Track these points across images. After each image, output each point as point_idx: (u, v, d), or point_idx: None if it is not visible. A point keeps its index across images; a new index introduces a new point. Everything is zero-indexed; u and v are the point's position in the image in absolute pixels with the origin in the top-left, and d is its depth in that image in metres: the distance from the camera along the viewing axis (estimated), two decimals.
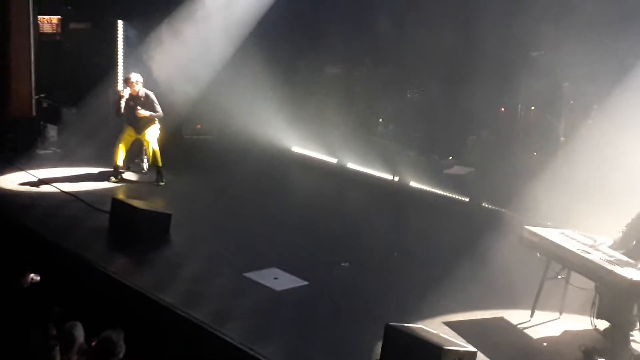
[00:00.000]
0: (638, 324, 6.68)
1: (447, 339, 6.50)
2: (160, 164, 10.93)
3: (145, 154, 11.19)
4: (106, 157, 11.31)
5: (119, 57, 13.11)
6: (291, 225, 9.74)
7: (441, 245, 9.18)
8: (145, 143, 11.02)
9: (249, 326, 7.02)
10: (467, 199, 10.84)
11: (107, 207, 9.39)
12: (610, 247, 7.13)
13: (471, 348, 6.49)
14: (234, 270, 8.21)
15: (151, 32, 12.55)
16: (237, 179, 11.58)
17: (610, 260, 6.74)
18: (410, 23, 12.78)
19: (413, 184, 11.39)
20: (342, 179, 11.86)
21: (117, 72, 13.07)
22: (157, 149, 10.92)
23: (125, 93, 10.90)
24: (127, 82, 10.98)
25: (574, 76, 10.41)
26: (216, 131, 13.18)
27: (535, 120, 11.44)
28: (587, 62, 9.87)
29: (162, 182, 10.95)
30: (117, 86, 12.84)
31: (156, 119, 10.95)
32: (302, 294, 7.79)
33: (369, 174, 11.91)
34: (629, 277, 6.42)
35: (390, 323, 6.50)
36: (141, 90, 10.93)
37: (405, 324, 6.66)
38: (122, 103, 10.88)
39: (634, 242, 7.16)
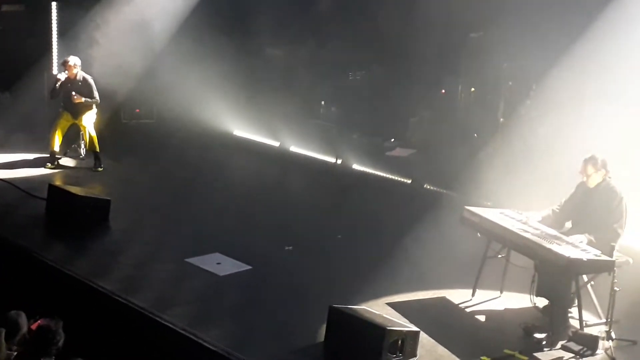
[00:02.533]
0: (576, 300, 6.81)
1: (390, 320, 6.56)
2: (97, 149, 10.72)
3: (82, 140, 10.96)
4: (42, 142, 11.03)
5: (53, 40, 12.78)
6: (234, 210, 9.67)
7: (384, 227, 9.24)
8: (82, 128, 10.79)
9: (191, 312, 6.95)
10: (410, 181, 10.90)
11: (44, 194, 9.18)
12: (540, 222, 7.26)
13: (414, 328, 6.56)
14: (175, 256, 8.11)
15: (87, 14, 12.25)
16: (177, 163, 11.43)
17: (548, 239, 6.86)
18: (352, 5, 12.78)
19: (356, 166, 11.41)
20: (285, 162, 11.81)
21: (52, 56, 12.74)
22: (94, 134, 10.70)
23: (62, 76, 10.66)
24: (64, 65, 10.72)
25: (513, 57, 10.54)
26: (155, 115, 12.98)
27: (476, 101, 11.58)
28: (525, 44, 10.00)
29: (101, 167, 10.75)
30: (52, 70, 12.52)
31: (93, 104, 10.73)
32: (245, 279, 7.74)
33: (312, 156, 11.88)
34: (567, 255, 6.54)
35: (334, 305, 6.52)
36: (79, 74, 10.69)
37: (349, 306, 6.69)
38: (58, 85, 10.64)
39: (569, 224, 7.30)
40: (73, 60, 10.69)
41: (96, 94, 10.70)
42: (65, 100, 10.72)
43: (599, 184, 7.10)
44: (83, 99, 10.58)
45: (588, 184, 7.14)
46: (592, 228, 6.99)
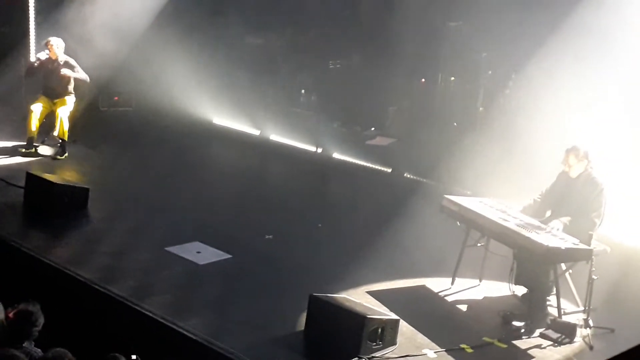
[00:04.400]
0: (554, 289, 6.86)
1: (370, 308, 6.58)
2: (66, 137, 10.51)
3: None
4: (19, 130, 10.91)
5: (30, 27, 12.63)
6: (214, 199, 9.64)
7: (364, 215, 9.26)
8: (56, 115, 10.61)
9: (171, 300, 6.93)
10: (390, 170, 10.92)
11: (22, 182, 9.08)
12: (521, 212, 7.30)
13: (394, 316, 6.59)
14: (155, 245, 8.07)
15: (65, 1, 12.12)
16: (157, 152, 11.36)
17: (527, 228, 6.90)
18: None
19: (336, 155, 11.41)
20: (265, 150, 11.78)
21: (29, 43, 12.60)
22: (65, 120, 10.47)
23: (42, 55, 10.52)
24: (46, 45, 10.55)
25: (492, 46, 10.57)
26: (134, 103, 12.88)
27: (455, 90, 11.60)
28: (504, 33, 10.02)
29: (62, 156, 10.50)
30: (29, 57, 12.39)
31: (72, 92, 10.61)
32: (225, 268, 7.72)
33: (292, 145, 11.86)
34: (545, 243, 6.58)
35: (314, 294, 6.53)
36: (61, 56, 10.56)
37: (329, 294, 6.70)
38: (36, 64, 10.50)
39: (549, 213, 7.35)
40: (55, 41, 10.53)
41: (83, 73, 10.55)
42: (45, 85, 10.60)
43: (580, 174, 7.15)
44: (73, 73, 10.39)
45: (570, 174, 7.18)
46: (570, 216, 7.04)
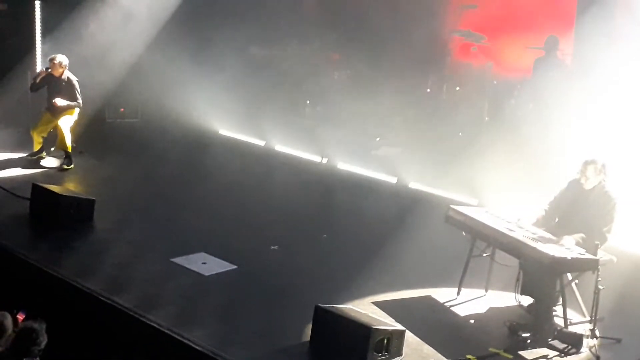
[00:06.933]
0: (560, 299, 6.84)
1: (375, 319, 6.57)
2: (69, 149, 10.57)
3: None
4: (25, 142, 10.96)
5: (37, 39, 12.70)
6: (219, 209, 9.64)
7: (370, 226, 9.24)
8: (57, 127, 10.65)
9: (176, 311, 6.93)
10: (395, 180, 10.91)
11: (28, 194, 9.10)
12: (534, 224, 7.28)
13: (399, 327, 6.57)
14: (160, 256, 8.07)
15: (71, 14, 12.19)
16: (162, 163, 11.36)
17: (533, 238, 6.88)
18: (337, 3, 12.79)
19: (341, 165, 11.41)
20: (270, 161, 11.78)
21: (36, 55, 12.67)
22: (65, 132, 10.51)
23: (42, 71, 10.62)
24: (51, 62, 10.64)
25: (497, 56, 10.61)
26: (140, 114, 12.92)
27: (461, 100, 11.61)
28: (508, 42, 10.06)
29: (69, 166, 10.57)
30: (35, 69, 12.46)
31: (75, 107, 10.68)
32: (231, 278, 7.72)
33: (297, 156, 11.87)
34: (551, 253, 6.56)
35: (320, 304, 6.52)
36: (65, 74, 10.63)
37: (335, 305, 6.69)
38: (38, 80, 10.58)
39: (556, 220, 7.33)
40: (60, 58, 10.62)
41: (79, 97, 10.65)
42: (48, 100, 10.67)
43: (594, 187, 7.13)
44: (65, 103, 10.52)
45: (585, 186, 7.15)
46: (581, 229, 7.01)
